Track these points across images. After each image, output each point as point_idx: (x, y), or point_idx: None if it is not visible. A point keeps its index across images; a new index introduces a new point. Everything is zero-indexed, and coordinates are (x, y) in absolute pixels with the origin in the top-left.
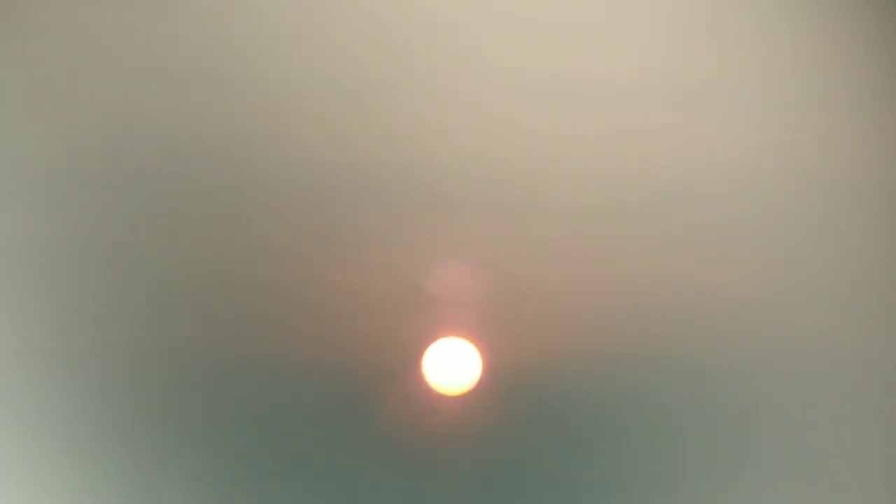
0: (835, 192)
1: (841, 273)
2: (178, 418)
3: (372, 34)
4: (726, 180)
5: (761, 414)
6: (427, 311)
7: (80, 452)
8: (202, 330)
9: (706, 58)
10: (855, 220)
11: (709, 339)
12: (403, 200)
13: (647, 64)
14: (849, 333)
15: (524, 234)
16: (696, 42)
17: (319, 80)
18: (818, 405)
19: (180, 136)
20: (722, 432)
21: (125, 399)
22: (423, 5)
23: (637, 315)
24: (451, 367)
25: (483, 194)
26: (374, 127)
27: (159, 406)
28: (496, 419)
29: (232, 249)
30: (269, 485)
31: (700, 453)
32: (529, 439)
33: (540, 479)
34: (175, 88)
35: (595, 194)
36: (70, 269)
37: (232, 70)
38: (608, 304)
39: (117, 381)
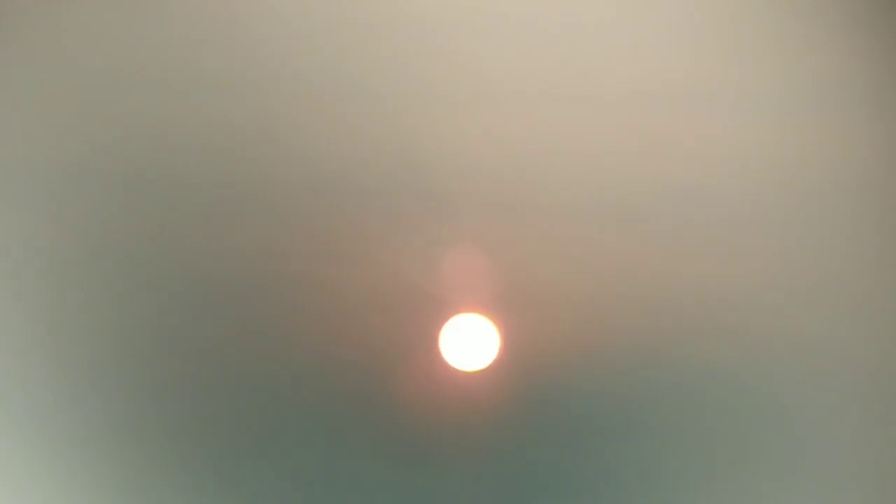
0: (835, 193)
1: (841, 273)
2: (181, 418)
3: (374, 34)
4: (728, 181)
5: (763, 412)
6: (438, 300)
7: (81, 453)
8: (203, 329)
9: (706, 59)
10: (855, 220)
11: (708, 336)
12: (406, 197)
13: (649, 65)
14: (849, 333)
15: (534, 230)
16: (696, 44)
17: (321, 80)
18: (819, 404)
19: (181, 135)
20: (723, 428)
21: (129, 399)
22: (426, 7)
23: (638, 308)
24: (468, 344)
25: (490, 192)
26: (379, 126)
27: (163, 406)
28: (512, 397)
29: (235, 249)
30: (284, 472)
31: (701, 446)
32: (541, 420)
33: (551, 461)
34: (175, 88)
35: (598, 194)
36: (70, 269)
37: (232, 70)
38: (613, 296)
39: (120, 381)
